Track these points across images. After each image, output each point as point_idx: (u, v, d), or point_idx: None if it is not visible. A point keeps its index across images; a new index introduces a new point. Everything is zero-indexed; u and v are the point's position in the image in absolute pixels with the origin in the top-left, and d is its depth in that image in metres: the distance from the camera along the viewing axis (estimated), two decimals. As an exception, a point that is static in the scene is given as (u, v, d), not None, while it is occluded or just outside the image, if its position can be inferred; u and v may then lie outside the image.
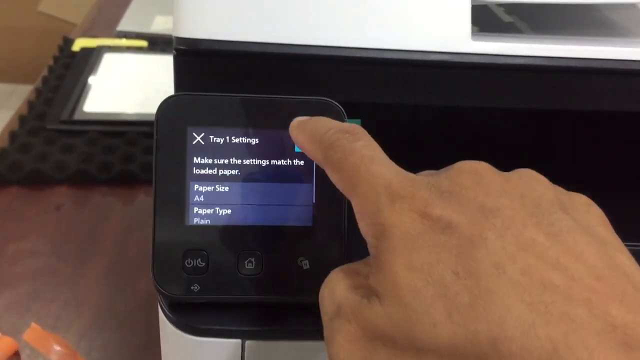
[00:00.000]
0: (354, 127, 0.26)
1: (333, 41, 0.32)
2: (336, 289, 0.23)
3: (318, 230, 0.30)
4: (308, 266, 0.30)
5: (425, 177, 0.23)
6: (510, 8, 0.42)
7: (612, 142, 0.40)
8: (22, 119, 0.79)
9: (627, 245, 0.37)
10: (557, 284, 0.19)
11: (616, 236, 0.23)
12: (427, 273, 0.20)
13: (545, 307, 0.19)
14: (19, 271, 0.62)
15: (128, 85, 0.85)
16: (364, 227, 0.23)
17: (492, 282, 0.20)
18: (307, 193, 0.30)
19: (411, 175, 0.23)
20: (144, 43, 0.97)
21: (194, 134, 0.30)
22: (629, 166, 0.45)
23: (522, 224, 0.21)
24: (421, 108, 0.35)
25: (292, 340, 0.31)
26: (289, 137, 0.29)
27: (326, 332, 0.23)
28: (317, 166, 0.30)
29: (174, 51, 0.33)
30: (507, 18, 0.41)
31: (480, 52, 0.33)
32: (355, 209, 0.24)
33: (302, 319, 0.31)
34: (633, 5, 0.42)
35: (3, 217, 0.68)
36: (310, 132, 0.27)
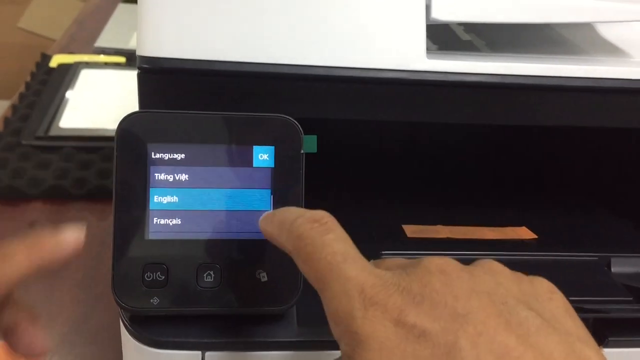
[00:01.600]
0: (324, 216, 0.26)
1: (291, 59, 0.33)
2: None
3: (276, 244, 0.31)
4: (266, 278, 0.31)
5: (395, 277, 0.23)
6: (469, 27, 0.43)
7: (562, 155, 0.42)
8: (-3, 135, 0.79)
9: (577, 257, 0.38)
10: None
11: (580, 324, 0.24)
12: None
13: None
14: (-10, 287, 0.61)
15: (105, 101, 0.86)
16: (337, 332, 0.23)
17: None
18: (265, 208, 0.31)
19: (382, 274, 0.23)
20: (121, 59, 0.97)
21: (153, 150, 0.31)
22: (580, 178, 0.47)
23: (494, 328, 0.21)
24: (377, 124, 0.36)
25: (252, 351, 0.32)
26: (248, 153, 0.30)
27: None
28: (276, 182, 0.31)
29: (137, 69, 0.34)
30: (465, 36, 0.43)
31: (435, 70, 0.34)
32: (326, 308, 0.24)
33: (261, 330, 0.32)
34: (588, 25, 0.44)
35: (-24, 233, 0.67)
36: (278, 222, 0.27)
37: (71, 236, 0.29)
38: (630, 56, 0.40)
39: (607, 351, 0.34)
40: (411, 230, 0.41)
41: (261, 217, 0.29)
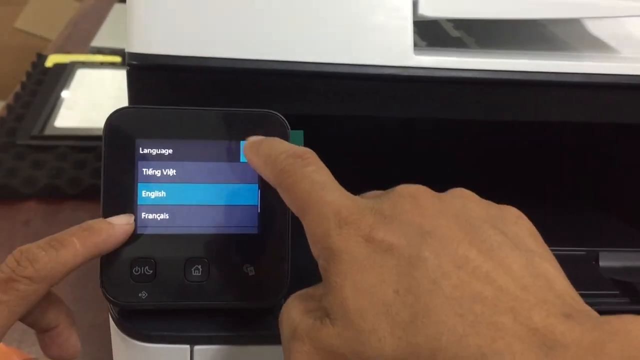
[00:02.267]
0: (305, 152, 0.27)
1: (278, 55, 0.33)
2: (292, 313, 0.25)
3: (263, 238, 0.31)
4: (253, 272, 0.31)
5: (370, 201, 0.25)
6: (459, 24, 0.44)
7: (550, 151, 0.42)
8: (-8, 135, 0.79)
9: (565, 252, 0.39)
10: (486, 295, 0.21)
11: (543, 244, 0.25)
12: (372, 293, 0.22)
13: (475, 318, 0.21)
14: (-15, 285, 0.62)
15: (100, 101, 0.86)
16: (315, 250, 0.25)
17: (429, 298, 0.22)
18: (254, 202, 0.31)
19: (358, 200, 0.25)
20: (117, 59, 0.97)
21: (141, 145, 0.31)
22: (567, 174, 0.47)
23: (457, 243, 0.23)
24: (364, 120, 0.36)
25: (240, 345, 0.32)
26: (235, 149, 0.30)
27: (285, 353, 0.25)
28: (261, 178, 0.32)
29: (127, 66, 0.34)
30: (455, 33, 0.43)
31: (422, 66, 0.35)
32: (307, 231, 0.25)
33: (248, 323, 0.32)
34: (576, 21, 0.44)
35: (-29, 232, 0.68)
36: (263, 154, 0.29)
37: (122, 221, 0.30)
38: (618, 52, 0.41)
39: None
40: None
41: (246, 143, 0.30)
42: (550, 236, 0.41)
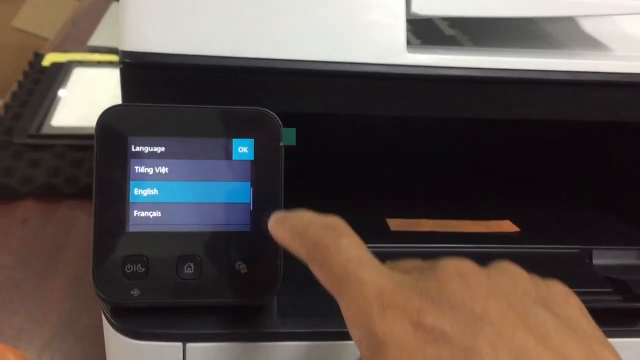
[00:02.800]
0: (336, 222, 0.26)
1: (271, 53, 0.33)
2: None
3: (255, 235, 0.31)
4: (246, 270, 0.31)
5: (413, 280, 0.24)
6: (453, 22, 0.44)
7: (545, 149, 0.42)
8: (-11, 134, 0.79)
9: (559, 249, 0.39)
10: None
11: (595, 326, 0.24)
12: None
13: None
14: (-19, 284, 0.62)
15: (97, 99, 0.86)
16: (357, 335, 0.23)
17: None
18: (244, 200, 0.31)
19: (399, 278, 0.24)
20: (114, 57, 0.97)
21: (133, 143, 0.31)
22: (561, 171, 0.47)
23: (512, 330, 0.21)
24: (360, 118, 0.36)
25: (232, 342, 0.32)
26: (227, 146, 0.30)
27: None
28: (256, 175, 0.32)
29: (120, 64, 0.34)
30: (449, 32, 0.43)
31: (415, 64, 0.35)
32: (345, 313, 0.24)
33: (241, 321, 0.32)
34: (570, 19, 0.44)
35: (-33, 231, 0.68)
36: (290, 228, 0.27)
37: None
38: (611, 50, 0.41)
39: (585, 341, 0.35)
40: (395, 224, 0.41)
41: (271, 220, 0.28)
42: (544, 234, 0.41)
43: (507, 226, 0.41)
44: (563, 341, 0.22)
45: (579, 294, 0.35)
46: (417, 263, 0.26)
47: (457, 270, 0.24)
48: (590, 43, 0.42)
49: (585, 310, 0.25)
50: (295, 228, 0.27)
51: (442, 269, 0.24)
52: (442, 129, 0.48)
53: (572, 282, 0.36)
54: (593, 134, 0.48)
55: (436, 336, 0.21)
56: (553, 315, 0.23)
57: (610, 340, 0.35)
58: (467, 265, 0.24)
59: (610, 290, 0.36)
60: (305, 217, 0.27)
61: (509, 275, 0.24)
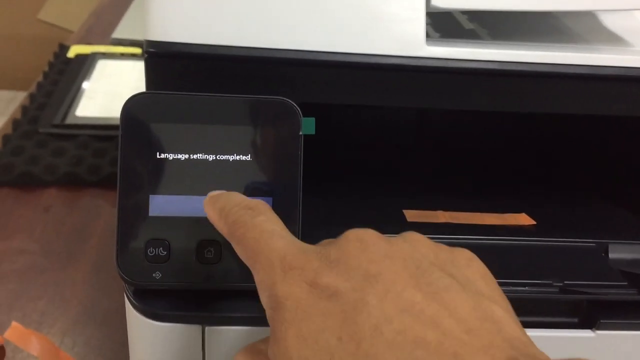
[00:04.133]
0: (258, 203, 0.28)
1: (292, 44, 0.34)
2: None
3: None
4: (264, 256, 0.32)
5: (317, 247, 0.25)
6: (472, 16, 0.44)
7: (563, 143, 0.42)
8: (15, 123, 0.81)
9: (575, 243, 0.39)
10: (429, 340, 0.21)
11: (495, 287, 0.24)
12: (315, 341, 0.22)
13: None
14: (6, 269, 0.63)
15: (120, 91, 0.87)
16: (263, 300, 0.25)
17: (370, 344, 0.21)
18: (264, 185, 0.32)
19: (305, 246, 0.25)
20: (137, 50, 0.99)
21: (156, 130, 0.32)
22: (580, 167, 0.47)
23: (402, 286, 0.22)
24: (379, 110, 0.36)
25: (250, 326, 0.33)
26: (248, 133, 0.31)
27: None
28: (276, 163, 0.32)
29: (145, 54, 0.35)
30: (469, 25, 0.43)
31: (434, 56, 0.35)
32: (256, 281, 0.25)
33: (259, 305, 0.33)
34: (590, 13, 0.44)
35: (-7, 217, 0.69)
36: (218, 208, 0.29)
37: None
38: (631, 45, 0.41)
39: (598, 333, 0.35)
40: (411, 215, 0.41)
41: (206, 198, 0.30)
42: (561, 227, 0.41)
43: (523, 219, 0.42)
44: (452, 297, 0.22)
45: (592, 286, 0.36)
46: (329, 239, 0.27)
47: (358, 237, 0.24)
48: (610, 38, 0.42)
49: (487, 274, 0.25)
50: (222, 209, 0.28)
51: (344, 237, 0.25)
52: (460, 122, 0.48)
53: (586, 275, 0.37)
54: (611, 129, 0.48)
55: (330, 293, 0.22)
56: (448, 275, 0.23)
57: (621, 332, 0.35)
58: (368, 233, 0.25)
59: (625, 284, 0.36)
60: (232, 199, 0.29)
61: (410, 242, 0.25)
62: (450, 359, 0.20)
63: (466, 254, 0.25)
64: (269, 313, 0.24)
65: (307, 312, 0.22)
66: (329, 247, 0.24)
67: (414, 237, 0.25)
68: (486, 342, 0.21)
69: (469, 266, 0.25)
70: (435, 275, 0.23)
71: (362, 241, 0.24)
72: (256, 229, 0.26)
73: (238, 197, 0.29)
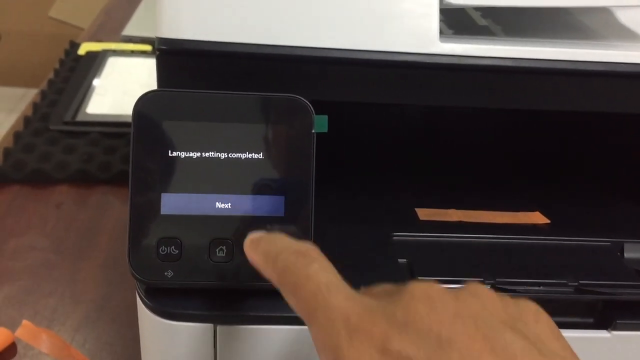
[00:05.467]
0: (308, 249, 0.26)
1: (304, 41, 0.33)
2: None
3: (287, 220, 0.32)
4: (276, 254, 0.32)
5: (380, 304, 0.24)
6: (486, 12, 0.43)
7: (577, 141, 0.41)
8: (26, 120, 0.81)
9: (590, 242, 0.39)
10: None
11: (565, 344, 0.24)
12: None
13: None
14: (18, 266, 0.63)
15: (131, 88, 0.87)
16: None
17: None
18: (277, 183, 0.32)
19: (367, 303, 0.24)
20: (147, 47, 0.99)
21: (168, 128, 0.32)
22: (595, 165, 0.46)
23: (478, 353, 0.21)
24: (391, 107, 0.36)
25: (262, 325, 0.33)
26: (260, 131, 0.31)
27: None
28: (288, 161, 0.32)
29: (156, 51, 0.35)
30: (482, 22, 0.43)
31: (447, 53, 0.35)
32: (314, 339, 0.24)
33: (270, 304, 0.33)
34: (605, 9, 0.44)
35: (5, 214, 0.70)
36: (263, 252, 0.28)
37: None
38: (647, 41, 0.40)
39: (614, 334, 0.35)
40: (424, 214, 0.41)
41: (246, 240, 0.29)
42: (575, 226, 0.41)
43: (537, 218, 0.41)
44: None
45: (607, 286, 0.35)
46: (388, 287, 0.26)
47: (424, 294, 0.23)
48: (626, 34, 0.41)
49: (556, 329, 0.24)
50: (268, 253, 0.27)
51: (409, 293, 0.24)
52: (472, 119, 0.48)
53: (602, 274, 0.36)
54: (625, 126, 0.47)
55: None
56: (521, 336, 0.22)
57: (638, 333, 0.35)
58: (434, 289, 0.24)
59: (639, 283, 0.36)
60: (278, 242, 0.27)
61: (477, 297, 0.24)
62: None
63: (532, 307, 0.25)
64: None
65: None
66: (394, 306, 0.23)
67: (479, 291, 0.25)
68: None
69: (538, 321, 0.24)
70: (509, 338, 0.22)
71: (429, 299, 0.23)
72: (311, 280, 0.24)
73: (283, 240, 0.28)
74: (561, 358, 0.23)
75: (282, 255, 0.26)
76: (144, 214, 0.31)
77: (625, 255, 0.39)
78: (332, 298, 0.24)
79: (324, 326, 0.23)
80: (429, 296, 0.23)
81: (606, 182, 0.47)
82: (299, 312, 0.25)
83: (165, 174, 0.31)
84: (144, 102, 0.32)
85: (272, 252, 0.27)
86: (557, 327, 0.24)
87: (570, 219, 0.42)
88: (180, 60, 0.35)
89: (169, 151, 0.32)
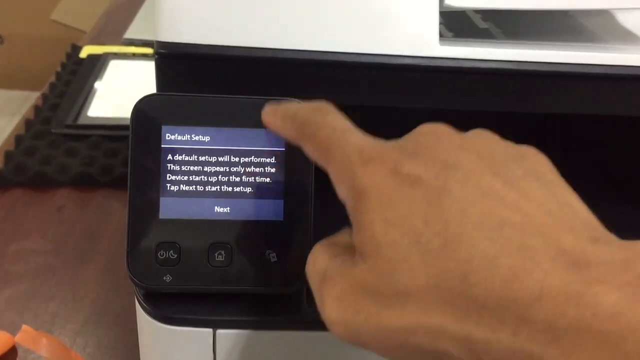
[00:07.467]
0: (324, 104, 0.28)
1: (303, 44, 0.33)
2: (318, 260, 0.26)
3: (287, 225, 0.32)
4: (276, 258, 0.32)
5: (392, 141, 0.26)
6: (486, 15, 0.43)
7: (578, 144, 0.41)
8: (28, 123, 0.81)
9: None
10: (514, 220, 0.22)
11: (561, 179, 0.26)
12: (402, 225, 0.23)
13: (505, 241, 0.21)
14: (19, 269, 0.63)
15: (132, 91, 0.87)
16: (342, 192, 0.25)
17: (458, 224, 0.22)
18: (277, 189, 0.32)
19: (380, 140, 0.26)
20: (149, 50, 0.99)
21: (167, 132, 0.31)
22: (597, 168, 0.46)
23: (480, 174, 0.23)
24: (388, 110, 0.36)
25: (261, 330, 0.33)
26: (260, 135, 0.31)
27: (317, 300, 0.25)
28: (287, 165, 0.32)
29: (155, 55, 0.35)
30: (482, 24, 0.43)
31: (447, 56, 0.35)
32: (332, 176, 0.26)
33: (270, 309, 0.32)
34: (607, 12, 0.44)
35: (6, 218, 0.70)
36: (282, 113, 0.29)
37: None
38: (649, 44, 0.40)
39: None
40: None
41: (263, 110, 0.31)
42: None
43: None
44: (528, 185, 0.23)
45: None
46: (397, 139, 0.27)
47: (432, 130, 0.25)
48: (628, 37, 0.41)
49: (553, 168, 0.26)
50: (286, 114, 0.29)
51: (418, 131, 0.26)
52: (473, 121, 0.48)
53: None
54: (629, 130, 0.47)
55: (412, 181, 0.23)
56: (521, 167, 0.24)
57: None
58: (441, 127, 0.26)
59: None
60: (294, 104, 0.30)
61: (481, 136, 0.26)
62: (537, 236, 0.21)
63: (532, 150, 0.26)
64: (349, 204, 0.24)
65: (391, 199, 0.23)
66: (404, 141, 0.25)
67: (484, 133, 0.26)
68: (567, 224, 0.22)
69: (537, 160, 0.26)
70: (510, 166, 0.24)
71: (436, 134, 0.25)
72: (327, 126, 0.26)
73: (300, 103, 0.29)
74: (557, 186, 0.24)
75: (300, 112, 0.28)
76: (142, 218, 0.31)
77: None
78: (347, 137, 0.26)
79: (340, 160, 0.25)
80: (435, 132, 0.25)
81: (606, 185, 0.47)
82: (317, 159, 0.27)
83: (163, 179, 0.31)
84: (143, 106, 0.32)
85: (289, 112, 0.29)
86: (555, 168, 0.26)
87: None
88: (179, 64, 0.34)
89: (168, 155, 0.31)
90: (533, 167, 0.25)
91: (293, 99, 0.32)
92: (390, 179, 0.23)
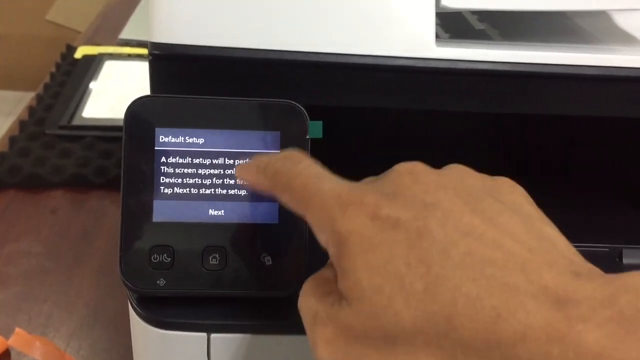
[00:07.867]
0: (294, 152, 0.28)
1: (299, 46, 0.33)
2: (309, 300, 0.26)
3: (282, 228, 0.32)
4: (271, 262, 0.31)
5: (369, 184, 0.26)
6: (483, 16, 0.43)
7: (574, 145, 0.41)
8: (22, 124, 0.81)
9: (588, 248, 0.38)
10: (495, 259, 0.22)
11: (539, 210, 0.26)
12: (385, 269, 0.23)
13: (487, 281, 0.21)
14: (12, 271, 0.63)
15: (127, 92, 0.87)
16: (323, 239, 0.25)
17: (440, 267, 0.22)
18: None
19: (356, 183, 0.26)
20: (144, 51, 0.98)
21: (161, 134, 0.31)
22: (593, 169, 0.46)
23: (460, 213, 0.23)
24: (384, 112, 0.36)
25: (256, 334, 0.32)
26: (254, 137, 0.31)
27: (310, 339, 0.25)
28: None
29: (149, 56, 0.34)
30: (479, 25, 0.42)
31: (443, 58, 0.34)
32: (311, 224, 0.26)
33: (265, 313, 0.32)
34: (604, 13, 0.43)
35: (-1, 219, 0.69)
36: (254, 167, 0.29)
37: None
38: (646, 45, 0.40)
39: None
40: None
41: (237, 167, 0.31)
42: (573, 232, 0.40)
43: (535, 223, 0.41)
44: (507, 220, 0.23)
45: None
46: (373, 177, 0.27)
47: (408, 170, 0.25)
48: (625, 38, 0.41)
49: (529, 199, 0.26)
50: (258, 166, 0.29)
51: (394, 171, 0.26)
52: (470, 122, 0.47)
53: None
54: (624, 131, 0.47)
55: (392, 223, 0.23)
56: (498, 201, 0.24)
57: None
58: (417, 166, 0.26)
59: None
60: (264, 157, 0.29)
61: (458, 172, 0.26)
62: (519, 274, 0.21)
63: (508, 182, 0.27)
64: (332, 251, 0.24)
65: (372, 244, 0.23)
66: (381, 182, 0.25)
67: (459, 168, 0.27)
68: (548, 259, 0.22)
69: (513, 192, 0.26)
70: (487, 202, 0.24)
71: (413, 174, 0.25)
72: (301, 174, 0.26)
73: (270, 155, 0.29)
74: (535, 219, 0.25)
75: (271, 163, 0.28)
76: (135, 221, 0.31)
77: (624, 261, 0.38)
78: (323, 184, 0.25)
79: (318, 207, 0.25)
80: (412, 172, 0.25)
81: (605, 186, 0.47)
82: (294, 208, 0.27)
83: (157, 181, 0.31)
84: (136, 108, 0.31)
85: (261, 164, 0.29)
86: (530, 198, 0.26)
87: (568, 223, 0.41)
88: (173, 65, 0.34)
89: (161, 158, 0.31)
90: (510, 199, 0.25)
91: (288, 100, 0.32)
92: (370, 223, 0.23)
